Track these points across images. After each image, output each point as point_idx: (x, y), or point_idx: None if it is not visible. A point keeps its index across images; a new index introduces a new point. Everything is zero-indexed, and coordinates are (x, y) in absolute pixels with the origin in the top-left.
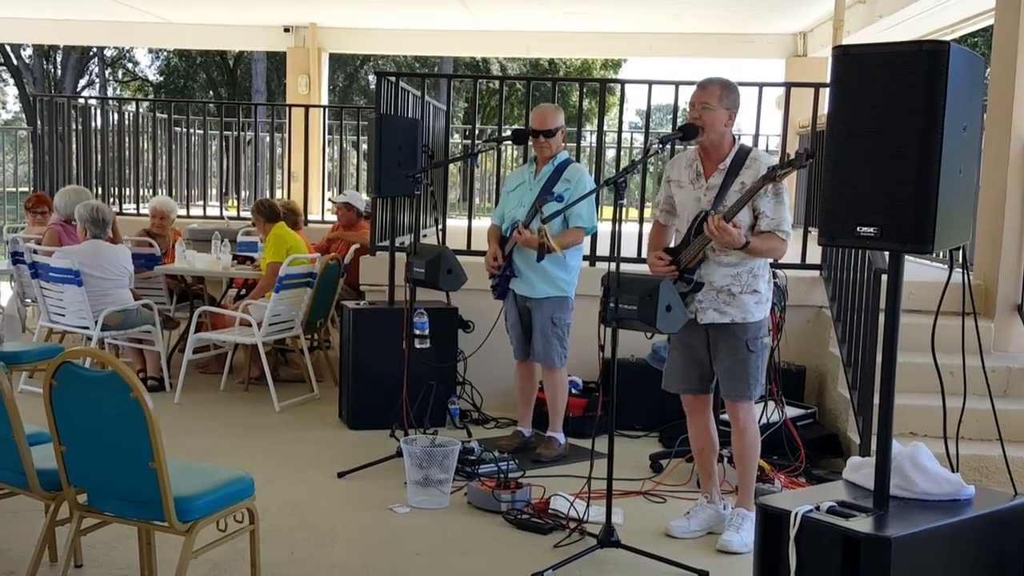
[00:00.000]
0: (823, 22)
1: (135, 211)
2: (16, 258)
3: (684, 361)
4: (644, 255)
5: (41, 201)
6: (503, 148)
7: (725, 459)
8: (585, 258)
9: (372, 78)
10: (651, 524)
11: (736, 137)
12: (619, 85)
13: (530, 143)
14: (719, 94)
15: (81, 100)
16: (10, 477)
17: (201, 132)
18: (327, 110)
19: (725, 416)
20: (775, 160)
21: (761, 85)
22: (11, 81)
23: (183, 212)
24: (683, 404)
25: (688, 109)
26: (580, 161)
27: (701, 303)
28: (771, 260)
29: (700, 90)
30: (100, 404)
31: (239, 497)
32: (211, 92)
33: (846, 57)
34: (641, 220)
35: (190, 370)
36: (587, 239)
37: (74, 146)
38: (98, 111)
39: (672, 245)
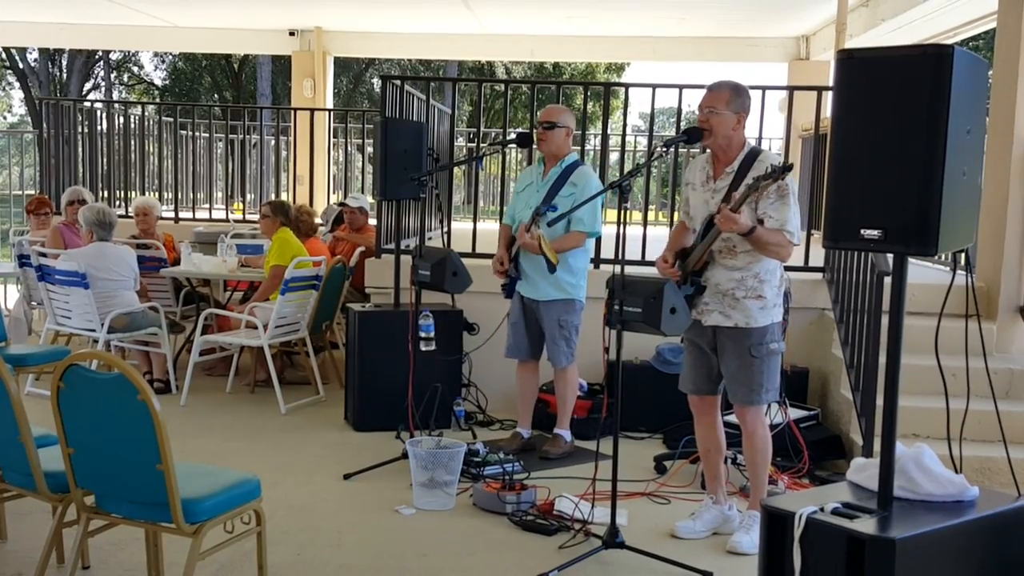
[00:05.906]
0: (825, 26)
1: None
2: (22, 261)
3: (692, 361)
4: (649, 258)
5: (43, 204)
6: (508, 151)
7: (729, 460)
8: (591, 260)
9: (377, 81)
10: (655, 525)
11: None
12: (623, 88)
13: (535, 146)
14: (727, 98)
15: (87, 104)
16: (18, 479)
17: (206, 135)
18: (332, 113)
19: (731, 418)
20: (781, 159)
21: (764, 88)
22: (17, 85)
23: (188, 215)
24: (690, 404)
25: (697, 112)
26: (584, 163)
27: (707, 304)
28: (782, 264)
29: (709, 93)
30: (107, 406)
31: (246, 499)
32: (216, 96)
33: (850, 61)
34: (645, 223)
35: (196, 372)
36: (592, 242)
37: (80, 149)
38: (104, 115)
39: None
